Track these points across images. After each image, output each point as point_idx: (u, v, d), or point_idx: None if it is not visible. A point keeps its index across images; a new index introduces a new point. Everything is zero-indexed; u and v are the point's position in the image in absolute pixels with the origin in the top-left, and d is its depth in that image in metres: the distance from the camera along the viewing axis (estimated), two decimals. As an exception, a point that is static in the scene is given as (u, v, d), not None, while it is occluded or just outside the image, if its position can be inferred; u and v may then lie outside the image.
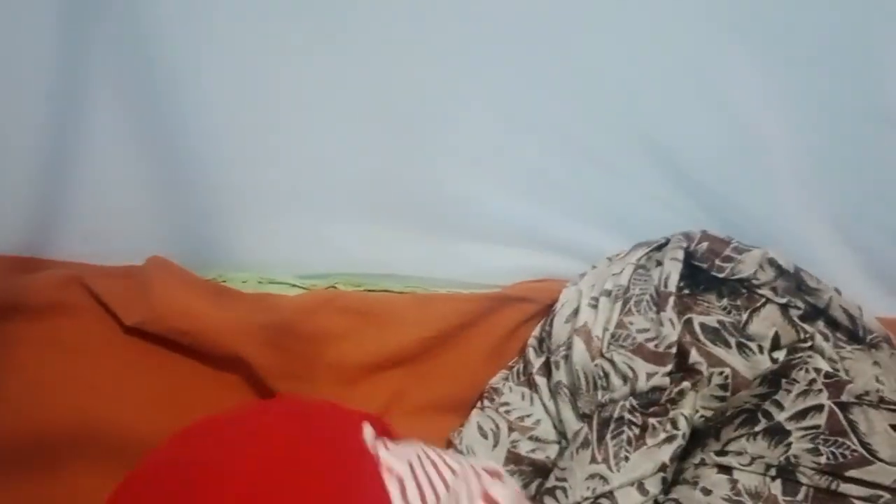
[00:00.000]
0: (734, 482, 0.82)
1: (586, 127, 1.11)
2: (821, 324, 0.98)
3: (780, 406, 0.86)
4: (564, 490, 0.85)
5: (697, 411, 0.90)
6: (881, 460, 0.80)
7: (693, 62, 1.04)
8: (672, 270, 0.97)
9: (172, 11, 0.97)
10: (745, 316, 0.96)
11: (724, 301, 0.99)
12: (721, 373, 0.91)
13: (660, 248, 1.03)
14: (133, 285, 1.13)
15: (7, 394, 0.99)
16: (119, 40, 1.05)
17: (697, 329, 0.94)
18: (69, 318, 1.08)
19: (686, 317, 0.95)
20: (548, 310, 1.05)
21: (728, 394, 0.91)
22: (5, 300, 1.10)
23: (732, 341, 0.93)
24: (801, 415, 0.85)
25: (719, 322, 0.95)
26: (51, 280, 1.13)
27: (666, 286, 0.96)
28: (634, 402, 0.89)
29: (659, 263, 1.00)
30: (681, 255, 0.99)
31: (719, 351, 0.92)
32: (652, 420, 0.88)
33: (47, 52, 1.06)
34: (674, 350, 0.91)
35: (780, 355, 0.92)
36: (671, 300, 0.94)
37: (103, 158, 1.16)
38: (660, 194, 1.13)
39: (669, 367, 0.90)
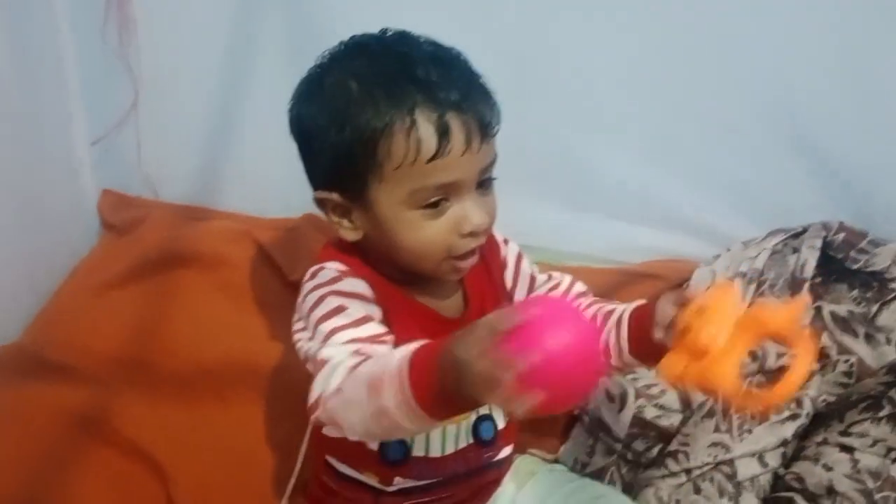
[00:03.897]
0: (855, 461, 0.84)
1: (732, 110, 1.13)
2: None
3: (905, 394, 0.88)
4: (686, 454, 0.90)
5: (821, 396, 0.93)
6: None
7: (849, 52, 1.05)
8: (809, 258, 0.99)
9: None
10: (874, 308, 0.97)
11: (855, 292, 0.99)
12: (847, 360, 0.93)
13: (796, 235, 1.05)
14: (291, 239, 1.24)
15: (181, 333, 1.11)
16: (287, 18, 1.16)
17: (827, 317, 0.96)
18: (238, 269, 1.20)
19: (816, 304, 0.97)
20: (677, 288, 1.08)
21: (852, 381, 0.93)
22: (180, 248, 1.22)
23: (861, 331, 0.95)
24: (928, 404, 0.86)
25: (849, 312, 0.97)
26: (222, 232, 1.26)
27: (802, 272, 0.98)
28: (763, 380, 0.92)
29: (795, 250, 1.02)
30: (819, 243, 1.01)
31: (847, 339, 0.94)
32: (777, 398, 0.91)
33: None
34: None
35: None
36: (806, 286, 0.97)
37: (265, 124, 1.24)
38: (799, 183, 1.14)
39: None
